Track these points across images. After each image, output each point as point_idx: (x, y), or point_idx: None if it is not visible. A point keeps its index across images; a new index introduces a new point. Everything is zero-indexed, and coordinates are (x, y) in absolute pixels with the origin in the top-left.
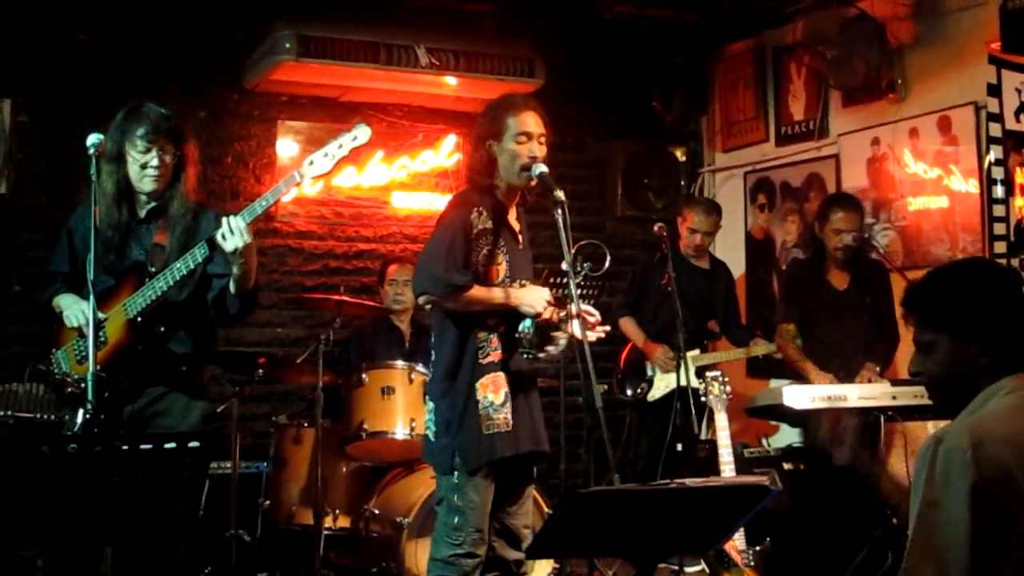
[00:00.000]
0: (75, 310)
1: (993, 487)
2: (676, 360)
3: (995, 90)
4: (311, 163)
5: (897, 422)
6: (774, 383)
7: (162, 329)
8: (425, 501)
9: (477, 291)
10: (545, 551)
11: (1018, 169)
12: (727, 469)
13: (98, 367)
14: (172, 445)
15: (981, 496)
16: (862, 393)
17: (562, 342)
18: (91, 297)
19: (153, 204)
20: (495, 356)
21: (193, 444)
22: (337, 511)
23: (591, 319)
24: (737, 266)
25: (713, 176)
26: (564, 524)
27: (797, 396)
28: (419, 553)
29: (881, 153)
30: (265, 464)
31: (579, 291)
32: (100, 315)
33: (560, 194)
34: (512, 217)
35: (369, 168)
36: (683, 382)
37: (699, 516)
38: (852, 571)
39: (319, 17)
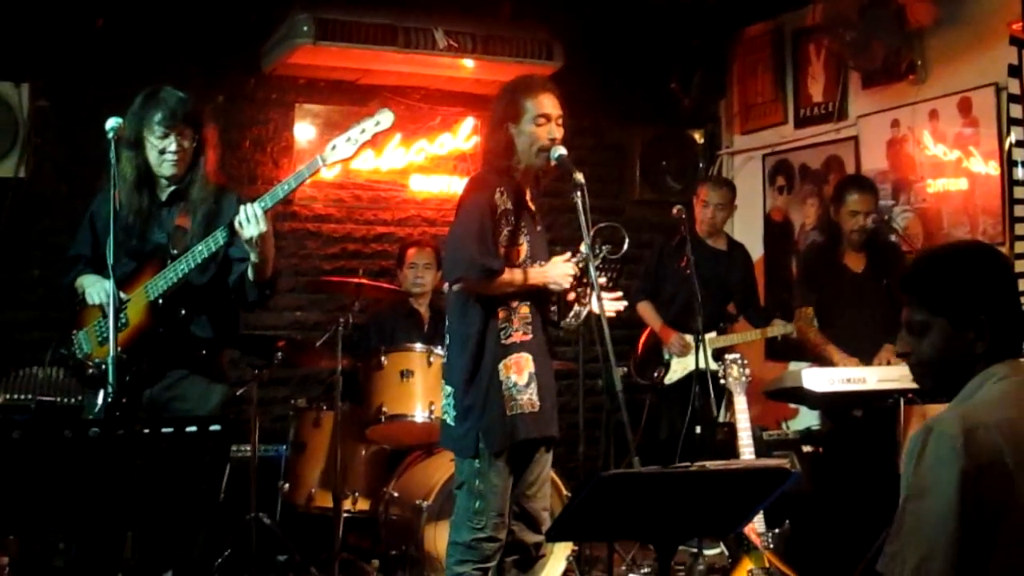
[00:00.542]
0: (97, 288)
1: (984, 474)
2: (695, 344)
3: (1016, 71)
4: (333, 148)
5: (917, 404)
6: (793, 366)
7: (183, 312)
8: (444, 484)
9: (508, 275)
10: (565, 534)
11: None
12: (746, 452)
13: (119, 349)
14: (193, 429)
15: (971, 483)
16: (882, 376)
17: (583, 313)
18: (111, 281)
19: (174, 187)
20: (517, 337)
21: (214, 428)
22: (356, 494)
23: (609, 294)
24: (756, 249)
25: (731, 158)
26: (584, 507)
27: (817, 379)
28: (438, 536)
29: (901, 135)
30: (285, 447)
31: (598, 274)
32: (122, 296)
33: (580, 177)
34: (529, 199)
35: (387, 151)
36: (701, 365)
37: (719, 499)
38: (872, 553)
39: (337, 0)
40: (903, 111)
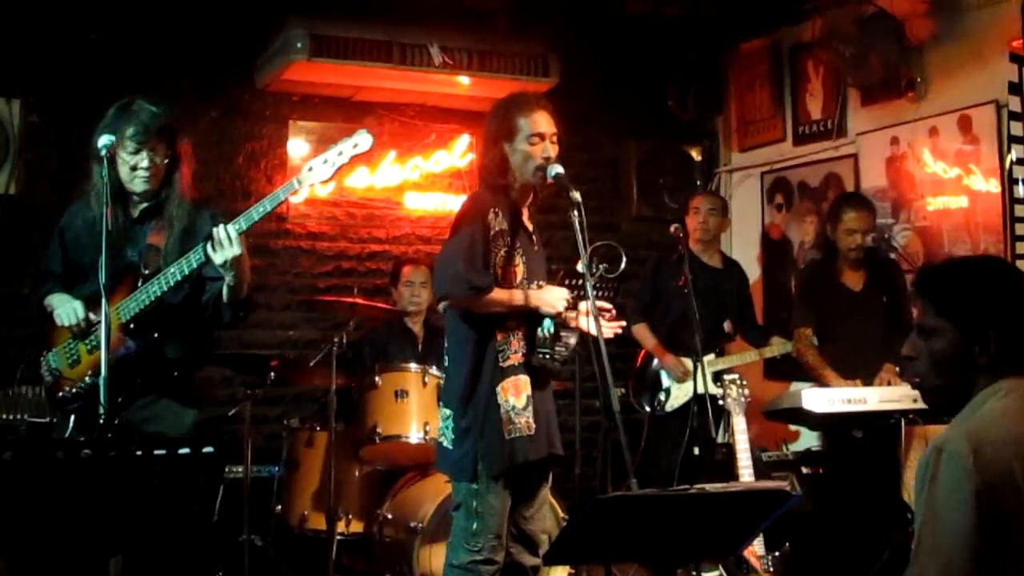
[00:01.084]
0: (67, 308)
1: (996, 491)
2: (693, 365)
3: (1016, 88)
4: (310, 169)
5: (918, 424)
6: (794, 386)
7: (156, 335)
8: (439, 505)
9: (498, 293)
10: (563, 557)
11: None
12: (745, 473)
13: (89, 372)
14: (187, 451)
15: (984, 501)
16: (882, 396)
17: (572, 341)
18: (104, 302)
19: (147, 204)
20: (516, 359)
21: (208, 450)
22: (350, 515)
23: (606, 313)
24: (754, 267)
25: (730, 176)
26: (582, 530)
27: (817, 399)
28: (433, 558)
29: (900, 152)
30: (277, 468)
31: (595, 293)
32: (92, 317)
33: (577, 195)
34: (526, 218)
35: (382, 168)
36: (700, 388)
37: (718, 521)
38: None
39: (331, 16)
40: (903, 128)
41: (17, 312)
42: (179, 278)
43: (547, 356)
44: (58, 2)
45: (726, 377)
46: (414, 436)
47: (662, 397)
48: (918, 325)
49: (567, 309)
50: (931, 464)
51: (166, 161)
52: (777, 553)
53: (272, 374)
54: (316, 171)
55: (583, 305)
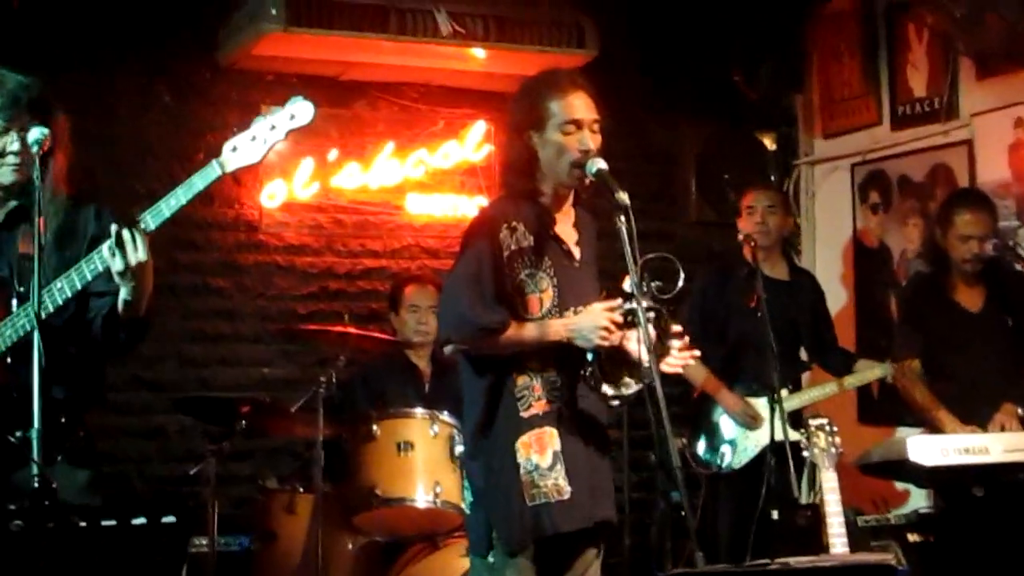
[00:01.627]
0: None
1: None
2: (772, 406)
3: None
4: (234, 150)
5: None
6: (899, 433)
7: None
8: None
9: (515, 330)
10: None
11: None
12: (837, 543)
13: None
14: (142, 521)
15: None
16: (1009, 445)
17: (632, 388)
18: (36, 335)
19: (15, 203)
20: (540, 407)
21: (168, 519)
22: None
23: (675, 340)
24: (844, 282)
25: (812, 169)
26: None
27: (926, 449)
28: None
29: None
30: (250, 540)
31: (649, 316)
32: None
33: (624, 197)
34: (565, 226)
35: (377, 164)
36: (778, 435)
37: None
38: None
39: None
40: None
41: None
42: (69, 294)
43: (610, 398)
44: None
45: (812, 422)
46: (421, 499)
47: (725, 450)
48: None
49: (622, 335)
50: None
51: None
52: None
53: (242, 423)
54: (243, 151)
55: (633, 334)
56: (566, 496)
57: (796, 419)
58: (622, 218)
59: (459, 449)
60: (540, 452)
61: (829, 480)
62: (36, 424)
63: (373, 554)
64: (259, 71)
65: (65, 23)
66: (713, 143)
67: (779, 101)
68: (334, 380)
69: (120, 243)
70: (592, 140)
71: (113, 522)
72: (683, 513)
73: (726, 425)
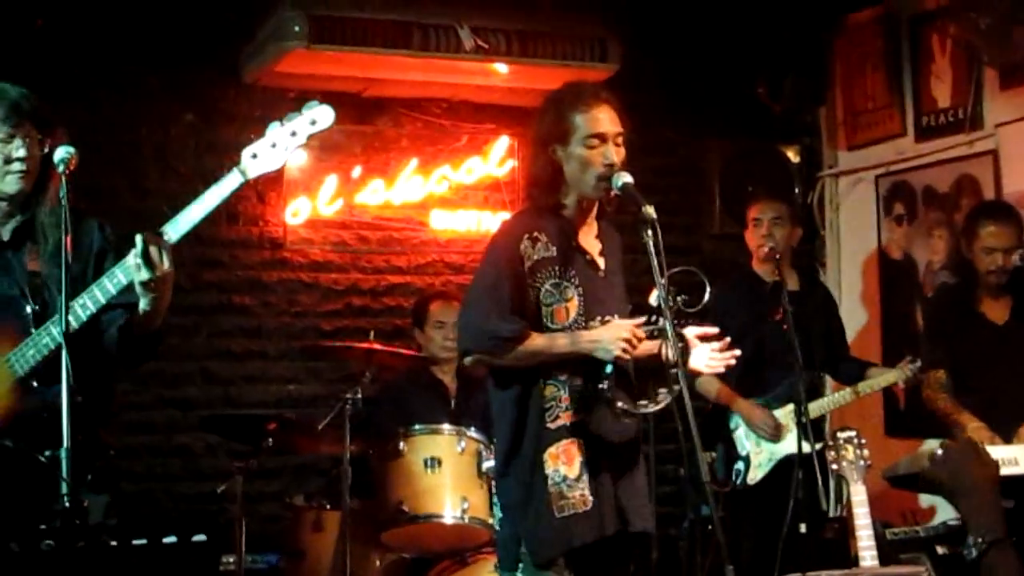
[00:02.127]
0: None
1: None
2: (799, 415)
3: None
4: (254, 156)
5: None
6: (927, 444)
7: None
8: None
9: (535, 340)
10: None
11: None
12: (867, 556)
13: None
14: (173, 540)
15: None
16: None
17: (663, 399)
18: (64, 354)
19: (19, 220)
20: (567, 418)
21: (199, 538)
22: None
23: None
24: (869, 295)
25: (836, 181)
26: None
27: None
28: None
29: None
30: (277, 557)
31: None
32: None
33: (650, 211)
34: (589, 237)
35: (401, 181)
36: (805, 447)
37: None
38: None
39: None
40: None
41: None
42: (93, 309)
43: (622, 413)
44: None
45: (840, 435)
46: (449, 516)
47: (740, 467)
48: None
49: (654, 348)
50: None
51: (42, 155)
52: None
53: (269, 440)
54: (263, 158)
55: (670, 352)
56: (589, 507)
57: (815, 429)
58: (648, 232)
59: (487, 465)
60: (568, 463)
61: (858, 493)
62: (65, 443)
63: (401, 571)
64: (283, 88)
65: (88, 42)
66: (737, 156)
67: (803, 114)
68: (360, 397)
69: (146, 254)
70: (616, 154)
71: (144, 541)
72: (710, 527)
73: (740, 440)
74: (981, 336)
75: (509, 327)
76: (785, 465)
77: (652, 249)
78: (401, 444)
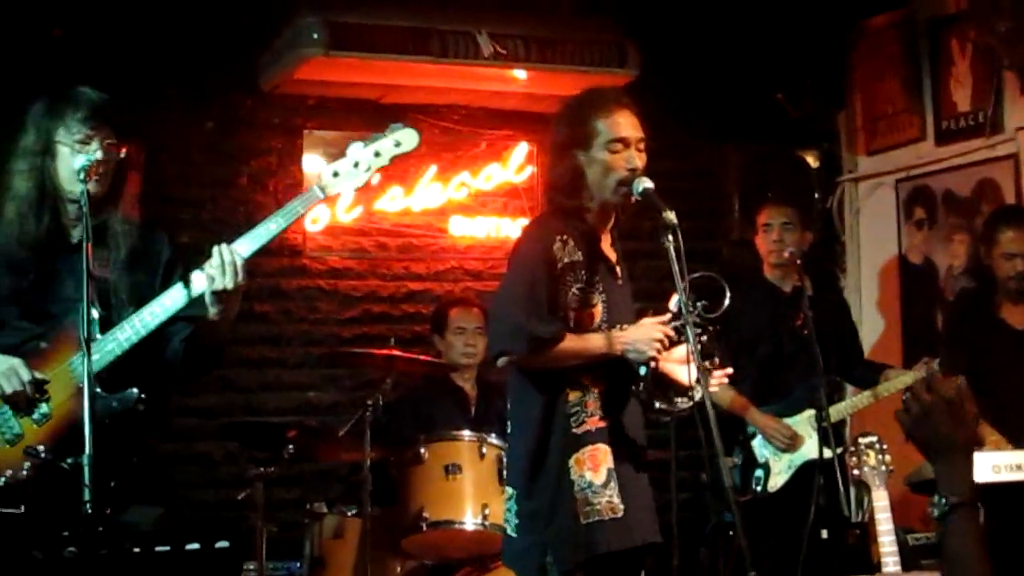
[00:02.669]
0: (3, 371)
1: None
2: (819, 422)
3: None
4: (335, 175)
5: None
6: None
7: (136, 392)
8: None
9: (570, 342)
10: None
11: None
12: (889, 562)
13: (41, 448)
14: (195, 547)
15: None
16: None
17: (695, 396)
18: (86, 359)
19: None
20: (592, 423)
21: (222, 544)
22: None
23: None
24: (890, 299)
25: (855, 186)
26: None
27: (977, 466)
28: None
29: None
30: (299, 564)
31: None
32: (37, 376)
33: (671, 216)
34: (606, 245)
35: (420, 187)
36: (814, 453)
37: None
38: None
39: (353, 0)
40: None
41: None
42: (163, 318)
43: (662, 412)
44: None
45: (861, 440)
46: (469, 522)
47: (759, 475)
48: None
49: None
50: None
51: (117, 161)
52: None
53: (289, 447)
54: (344, 177)
55: (679, 351)
56: (619, 514)
57: (836, 434)
58: (669, 237)
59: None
60: (594, 469)
61: (880, 498)
62: (88, 450)
63: None
64: (301, 96)
65: (106, 51)
66: (756, 161)
67: (822, 118)
68: (380, 403)
69: (221, 265)
70: (638, 158)
71: (167, 548)
72: (731, 533)
73: (758, 448)
74: (1001, 341)
75: (548, 329)
76: (805, 470)
77: (673, 254)
78: (422, 451)
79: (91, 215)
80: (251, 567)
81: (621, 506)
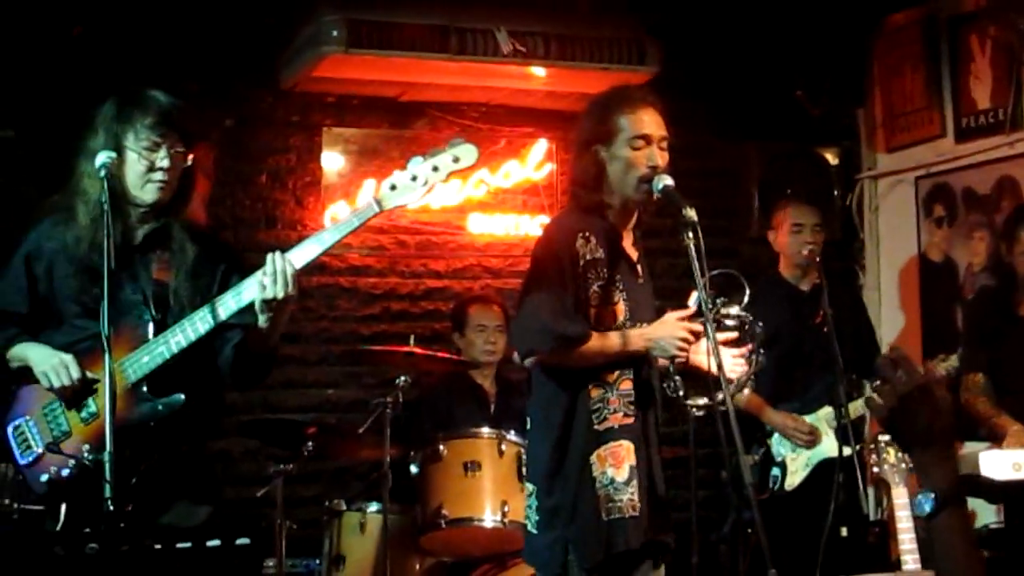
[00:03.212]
0: (53, 365)
1: None
2: (839, 419)
3: None
4: (393, 188)
5: None
6: (969, 447)
7: (182, 398)
8: None
9: (595, 340)
10: None
11: None
12: (909, 560)
13: (87, 447)
14: (216, 543)
15: None
16: None
17: (744, 383)
18: (107, 358)
19: (151, 227)
20: (615, 420)
21: (242, 541)
22: None
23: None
24: (909, 297)
25: (875, 183)
26: None
27: (997, 464)
28: None
29: None
30: (318, 562)
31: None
32: (88, 375)
33: (692, 213)
34: (628, 243)
35: (438, 184)
36: (833, 450)
37: None
38: None
39: None
40: None
41: None
42: (212, 324)
43: (695, 408)
44: None
45: (881, 437)
46: (489, 519)
47: (777, 473)
48: None
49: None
50: None
51: (184, 167)
52: None
53: (309, 444)
54: (402, 191)
55: (702, 346)
56: (639, 512)
57: (855, 431)
58: (689, 234)
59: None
60: (616, 466)
61: (901, 496)
62: (108, 447)
63: (441, 574)
64: (320, 93)
65: (126, 49)
66: (776, 159)
67: (842, 116)
68: (400, 401)
69: (274, 274)
70: (660, 156)
71: (188, 544)
72: (749, 531)
73: (775, 446)
74: (1021, 339)
75: (576, 328)
76: (823, 468)
77: (693, 252)
78: (441, 448)
79: (154, 218)
80: (271, 564)
81: (639, 504)
